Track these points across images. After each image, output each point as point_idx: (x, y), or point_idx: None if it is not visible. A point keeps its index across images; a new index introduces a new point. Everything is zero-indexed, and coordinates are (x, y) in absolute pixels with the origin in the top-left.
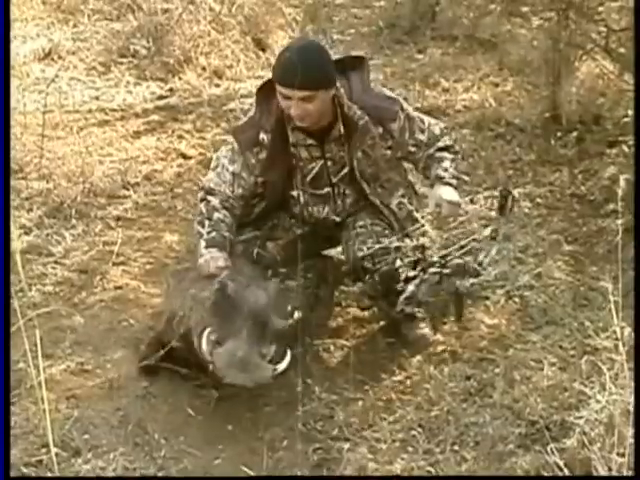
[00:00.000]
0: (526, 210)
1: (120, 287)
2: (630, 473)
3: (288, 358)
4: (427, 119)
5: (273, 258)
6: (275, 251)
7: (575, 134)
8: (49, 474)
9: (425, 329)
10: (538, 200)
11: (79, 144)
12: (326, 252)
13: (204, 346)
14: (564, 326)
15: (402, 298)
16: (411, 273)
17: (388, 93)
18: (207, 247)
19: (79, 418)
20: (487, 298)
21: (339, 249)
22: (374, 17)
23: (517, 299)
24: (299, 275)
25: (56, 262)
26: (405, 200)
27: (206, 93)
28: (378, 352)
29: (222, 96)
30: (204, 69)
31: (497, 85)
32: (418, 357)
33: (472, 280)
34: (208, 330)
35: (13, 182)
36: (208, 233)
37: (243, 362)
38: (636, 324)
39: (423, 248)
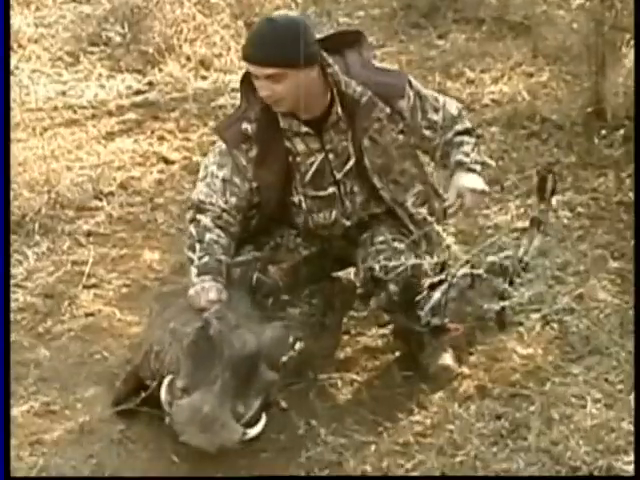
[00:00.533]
0: (565, 221)
1: (92, 314)
2: None
3: (262, 422)
4: (441, 97)
5: (275, 284)
6: (277, 276)
7: (622, 132)
8: None
9: (448, 360)
10: (579, 209)
11: (43, 147)
12: (335, 274)
13: (163, 395)
14: (610, 356)
15: (427, 308)
16: (436, 278)
17: (392, 68)
18: (199, 275)
19: (45, 467)
20: (520, 324)
21: (348, 270)
22: None
23: (555, 325)
24: (303, 301)
25: (17, 285)
26: (423, 210)
27: (191, 87)
28: (393, 387)
29: (210, 90)
30: (189, 59)
31: (531, 75)
32: (440, 393)
33: (502, 303)
34: (170, 377)
35: None
36: (200, 258)
37: (207, 420)
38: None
39: (444, 265)
